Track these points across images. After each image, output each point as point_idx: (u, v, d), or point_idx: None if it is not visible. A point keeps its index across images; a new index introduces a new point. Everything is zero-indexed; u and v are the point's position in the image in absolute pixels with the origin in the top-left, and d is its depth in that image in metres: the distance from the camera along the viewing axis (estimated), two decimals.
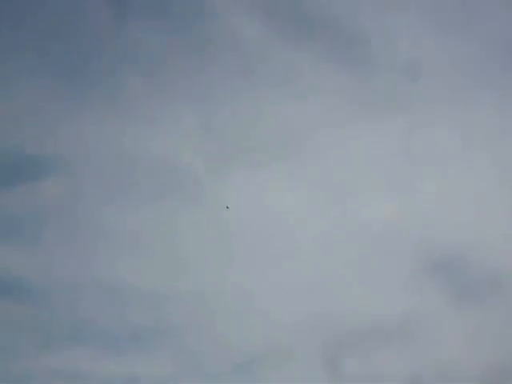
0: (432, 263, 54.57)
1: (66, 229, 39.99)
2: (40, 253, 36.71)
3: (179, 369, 48.56)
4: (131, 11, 39.00)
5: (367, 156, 47.53)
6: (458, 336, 47.22)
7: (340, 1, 41.25)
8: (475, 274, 52.28)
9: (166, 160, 42.13)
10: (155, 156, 41.30)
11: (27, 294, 35.62)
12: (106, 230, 43.51)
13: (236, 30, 39.19)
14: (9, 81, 35.54)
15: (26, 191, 36.30)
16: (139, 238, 48.64)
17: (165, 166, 43.12)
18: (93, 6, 38.14)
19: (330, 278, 54.06)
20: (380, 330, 49.28)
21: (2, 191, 35.58)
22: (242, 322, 50.62)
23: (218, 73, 39.75)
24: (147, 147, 42.33)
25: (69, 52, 37.24)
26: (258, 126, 42.67)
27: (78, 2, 37.76)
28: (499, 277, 49.21)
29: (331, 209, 49.87)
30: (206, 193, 45.18)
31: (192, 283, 52.21)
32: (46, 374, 40.17)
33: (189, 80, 39.61)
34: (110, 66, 37.50)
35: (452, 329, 47.47)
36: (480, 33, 40.92)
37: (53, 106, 36.43)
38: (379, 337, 49.65)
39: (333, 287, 52.62)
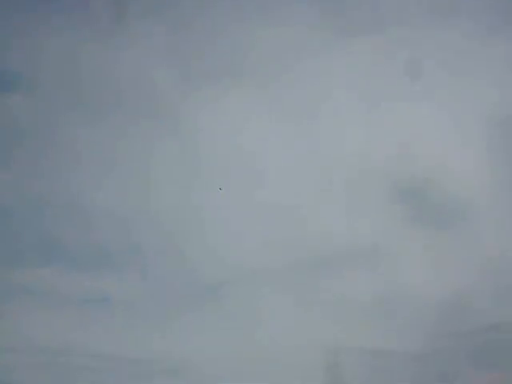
0: (399, 191, 55.64)
1: (38, 148, 40.01)
2: (11, 170, 36.77)
3: (148, 290, 49.56)
4: None
5: (336, 82, 47.83)
6: (423, 262, 48.34)
7: None
8: (440, 202, 53.42)
9: (141, 84, 41.90)
10: (129, 80, 41.09)
11: None
12: (78, 152, 43.69)
13: None
14: None
15: None
16: (112, 161, 49.08)
17: (139, 91, 42.97)
18: None
19: (298, 203, 54.95)
20: (346, 254, 50.39)
21: None
22: (213, 245, 51.40)
23: None
24: (121, 70, 42.15)
25: None
26: (234, 51, 42.52)
27: None
28: (463, 204, 50.36)
29: (301, 135, 50.52)
30: (179, 118, 45.32)
31: (163, 206, 52.71)
32: (16, 292, 40.73)
33: (162, 3, 39.21)
34: None
35: (417, 255, 48.52)
36: None
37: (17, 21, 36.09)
38: (346, 261, 50.54)
39: (301, 213, 53.61)
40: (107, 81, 41.42)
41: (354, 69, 43.77)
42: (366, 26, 41.21)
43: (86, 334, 43.54)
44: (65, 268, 44.19)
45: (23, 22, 36.49)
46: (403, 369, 42.78)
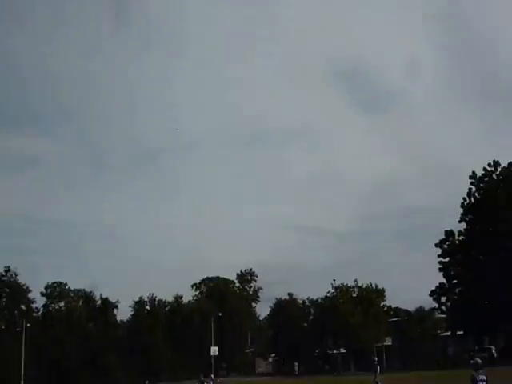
0: (334, 72, 54.94)
1: None
2: None
3: (79, 154, 48.46)
4: None
5: None
6: (356, 144, 48.60)
7: None
8: (375, 87, 52.64)
9: None
10: None
11: None
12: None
13: None
14: None
15: None
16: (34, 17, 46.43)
17: None
18: None
19: (236, 76, 52.98)
20: (286, 130, 50.33)
21: None
22: (152, 113, 50.38)
23: None
24: None
25: None
26: None
27: None
28: (398, 90, 49.49)
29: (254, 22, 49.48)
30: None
31: (103, 73, 50.14)
32: None
33: None
34: None
35: (350, 137, 48.68)
36: None
37: None
38: (285, 137, 50.57)
39: (238, 88, 52.07)
40: None
41: None
42: None
43: (16, 195, 42.21)
44: None
45: None
46: (332, 247, 43.13)
